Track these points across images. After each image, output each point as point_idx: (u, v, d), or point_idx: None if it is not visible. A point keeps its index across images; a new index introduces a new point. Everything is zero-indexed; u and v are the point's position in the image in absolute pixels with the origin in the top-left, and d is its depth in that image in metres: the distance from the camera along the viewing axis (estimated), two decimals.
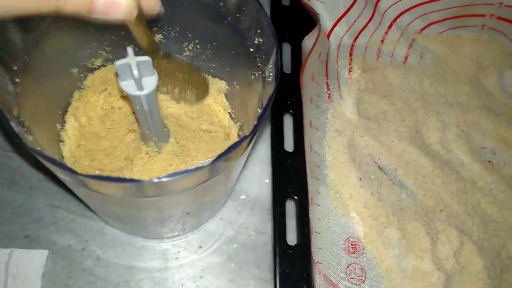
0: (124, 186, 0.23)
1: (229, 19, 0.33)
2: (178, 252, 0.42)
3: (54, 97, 0.35)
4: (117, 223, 0.39)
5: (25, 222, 0.41)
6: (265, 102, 0.27)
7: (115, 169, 0.37)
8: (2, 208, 0.41)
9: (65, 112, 0.39)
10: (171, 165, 0.38)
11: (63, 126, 0.38)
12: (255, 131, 0.26)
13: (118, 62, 0.26)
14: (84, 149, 0.38)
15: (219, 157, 0.24)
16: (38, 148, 0.23)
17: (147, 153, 0.38)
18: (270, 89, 0.27)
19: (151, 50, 0.29)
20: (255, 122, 0.26)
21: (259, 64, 0.32)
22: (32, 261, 0.39)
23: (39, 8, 0.20)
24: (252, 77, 0.34)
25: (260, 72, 0.32)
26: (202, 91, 0.40)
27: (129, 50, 0.26)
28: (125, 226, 0.40)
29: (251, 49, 0.32)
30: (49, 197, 0.42)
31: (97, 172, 0.36)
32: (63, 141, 0.38)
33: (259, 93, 0.32)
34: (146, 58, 0.27)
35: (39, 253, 0.39)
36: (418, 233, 0.45)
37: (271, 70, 0.28)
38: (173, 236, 0.42)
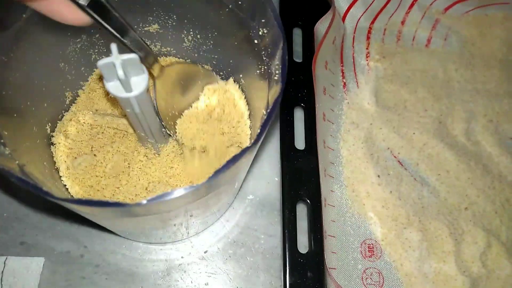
0: (110, 209, 0.21)
1: (230, 6, 0.29)
2: (182, 257, 0.39)
3: (40, 103, 0.32)
4: (116, 231, 0.37)
5: (21, 227, 0.39)
6: (270, 105, 0.23)
7: (113, 175, 0.34)
8: None
9: (56, 119, 0.36)
10: (172, 167, 0.35)
11: (52, 137, 0.35)
12: (258, 140, 0.22)
13: (101, 62, 0.23)
14: (78, 158, 0.35)
15: (217, 172, 0.21)
16: (11, 166, 0.20)
17: (145, 155, 0.35)
18: (275, 90, 0.24)
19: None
20: (259, 130, 0.22)
21: (264, 58, 0.28)
22: (29, 269, 0.37)
23: None
24: (258, 71, 0.30)
25: (265, 67, 0.28)
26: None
27: (113, 47, 0.23)
28: (125, 233, 0.37)
29: (256, 41, 0.29)
30: (46, 201, 0.39)
31: (94, 180, 0.33)
32: (54, 144, 0.35)
33: (265, 90, 0.28)
34: (132, 55, 0.23)
35: (35, 260, 0.37)
36: (440, 233, 0.42)
37: (277, 67, 0.25)
38: (177, 241, 0.39)
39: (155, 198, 0.20)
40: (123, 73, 0.23)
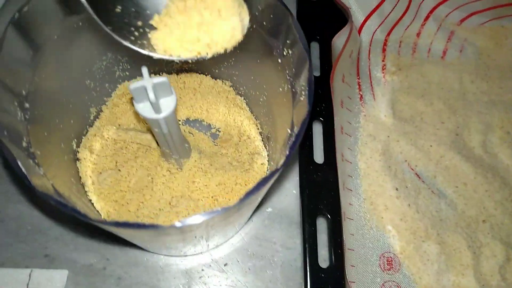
0: (146, 232, 0.21)
1: (254, 26, 0.30)
2: (203, 270, 0.40)
3: (67, 119, 0.33)
4: (139, 243, 0.37)
5: (45, 240, 0.39)
6: (297, 127, 0.24)
7: (137, 189, 0.35)
8: (21, 226, 0.39)
9: (80, 134, 0.36)
10: (194, 181, 0.36)
11: (77, 153, 0.36)
12: (288, 160, 0.23)
13: (133, 85, 0.23)
14: (103, 173, 0.35)
15: (247, 195, 0.21)
16: (47, 186, 0.21)
17: (168, 170, 0.36)
18: (302, 111, 0.24)
19: None
20: (287, 152, 0.23)
21: (288, 77, 0.29)
22: (53, 282, 0.37)
23: None
24: (280, 89, 0.30)
25: (289, 86, 0.29)
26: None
27: (144, 70, 0.24)
28: (147, 246, 0.37)
29: (279, 60, 0.29)
30: (68, 214, 0.40)
31: (119, 195, 0.34)
32: (79, 160, 0.36)
33: (288, 107, 0.29)
34: (163, 79, 0.24)
35: (59, 273, 0.38)
36: (459, 246, 0.42)
37: (303, 88, 0.25)
38: (197, 254, 0.40)
39: (189, 221, 0.20)
40: (154, 96, 0.23)
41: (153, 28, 0.25)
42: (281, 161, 0.22)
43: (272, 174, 0.22)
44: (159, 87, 0.24)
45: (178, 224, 0.20)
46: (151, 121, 0.26)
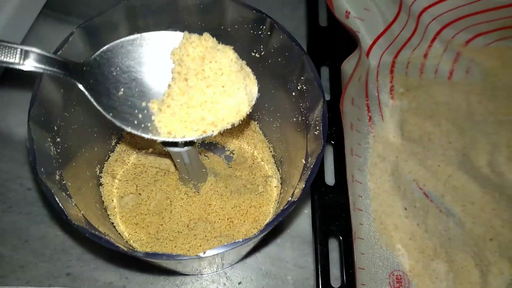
0: (173, 262, 0.23)
1: (269, 61, 0.31)
2: None
3: (92, 147, 0.35)
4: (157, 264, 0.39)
5: (67, 259, 0.41)
6: (312, 160, 0.25)
7: (157, 212, 0.36)
8: (45, 245, 0.41)
9: (103, 160, 0.38)
10: (211, 204, 0.37)
11: (100, 178, 0.38)
12: (304, 192, 0.24)
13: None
14: (124, 198, 0.37)
15: (266, 227, 0.23)
16: (80, 218, 0.23)
17: (186, 194, 0.37)
18: (316, 145, 0.26)
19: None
20: (303, 185, 0.24)
21: (302, 110, 0.30)
22: None
23: None
24: (294, 119, 0.32)
25: (303, 118, 0.30)
26: None
27: None
28: (165, 266, 0.39)
29: (293, 93, 0.31)
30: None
31: (139, 218, 0.36)
32: (102, 185, 0.37)
33: (302, 136, 0.30)
34: None
35: None
36: (467, 265, 0.43)
37: (317, 122, 0.27)
38: (212, 272, 0.41)
39: (213, 252, 0.22)
40: None
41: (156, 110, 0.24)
42: (299, 193, 0.23)
43: (290, 205, 0.23)
44: None
45: (202, 255, 0.22)
46: (174, 153, 0.27)
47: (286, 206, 0.23)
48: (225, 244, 0.22)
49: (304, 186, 0.24)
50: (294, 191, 0.26)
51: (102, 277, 0.41)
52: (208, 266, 0.39)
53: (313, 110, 0.27)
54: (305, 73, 0.27)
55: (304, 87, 0.29)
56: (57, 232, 0.42)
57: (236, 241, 0.22)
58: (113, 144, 0.39)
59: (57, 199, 0.23)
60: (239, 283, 0.41)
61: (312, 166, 0.24)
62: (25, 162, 0.44)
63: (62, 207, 0.23)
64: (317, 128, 0.26)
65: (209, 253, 0.22)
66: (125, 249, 0.21)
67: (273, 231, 0.43)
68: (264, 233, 0.23)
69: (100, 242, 0.22)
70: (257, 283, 0.41)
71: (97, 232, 0.22)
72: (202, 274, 0.41)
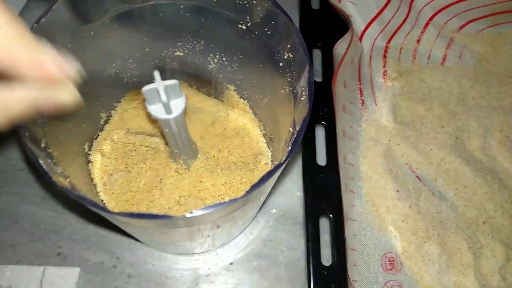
0: (158, 222, 0.23)
1: (256, 32, 0.31)
2: (209, 268, 0.41)
3: (80, 124, 0.35)
4: (148, 242, 0.39)
5: (58, 239, 0.41)
6: (298, 125, 0.25)
7: (147, 190, 0.36)
8: (35, 225, 0.41)
9: (92, 138, 0.38)
10: (201, 181, 0.37)
11: (89, 156, 0.38)
12: (289, 157, 0.24)
13: (146, 88, 0.25)
14: (114, 175, 0.37)
15: (252, 188, 0.23)
16: (65, 183, 0.23)
17: (176, 171, 0.37)
18: (303, 110, 0.26)
19: None
20: (289, 148, 0.24)
21: (289, 80, 0.30)
22: (65, 279, 0.39)
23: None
24: (282, 91, 0.32)
25: (290, 88, 0.30)
26: None
27: (156, 74, 0.25)
28: (156, 244, 0.39)
29: (281, 64, 0.31)
30: (80, 214, 0.42)
31: (129, 195, 0.36)
32: (91, 162, 0.37)
33: (290, 108, 0.30)
34: (173, 81, 0.25)
35: (71, 270, 0.39)
36: (459, 247, 0.43)
37: (303, 88, 0.27)
38: (204, 252, 0.41)
39: (198, 212, 0.22)
40: (166, 97, 0.25)
41: None
42: (284, 156, 0.23)
43: (276, 168, 0.23)
44: (170, 89, 0.26)
45: (188, 215, 0.22)
46: (162, 121, 0.27)
47: (271, 169, 0.23)
48: (211, 204, 0.22)
49: (290, 148, 0.24)
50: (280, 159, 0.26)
51: (93, 257, 0.40)
52: (199, 245, 0.39)
53: (299, 77, 0.27)
54: (290, 39, 0.27)
55: (290, 55, 0.29)
56: (48, 212, 0.42)
57: (221, 202, 0.22)
58: (102, 123, 0.39)
59: (40, 161, 0.22)
60: (231, 263, 0.41)
61: (298, 129, 0.24)
62: (15, 144, 0.44)
63: (46, 169, 0.22)
64: (304, 94, 0.26)
65: (196, 213, 0.22)
66: (109, 209, 0.21)
67: (264, 211, 0.43)
68: (250, 194, 0.23)
69: (84, 202, 0.22)
70: (249, 264, 0.41)
71: (82, 195, 0.22)
72: (193, 254, 0.41)
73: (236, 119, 0.42)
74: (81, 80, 0.21)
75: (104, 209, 0.21)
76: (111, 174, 0.37)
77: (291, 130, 0.28)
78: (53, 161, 0.25)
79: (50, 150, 0.26)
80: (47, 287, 0.38)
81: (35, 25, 0.27)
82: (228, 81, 0.40)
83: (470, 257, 0.42)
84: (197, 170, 0.37)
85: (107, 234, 0.41)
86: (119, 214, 0.21)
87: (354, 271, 0.40)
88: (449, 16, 0.53)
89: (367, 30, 0.52)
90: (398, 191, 0.45)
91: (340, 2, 0.49)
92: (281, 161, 0.23)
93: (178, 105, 0.27)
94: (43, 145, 0.26)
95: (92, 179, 0.37)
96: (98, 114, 0.38)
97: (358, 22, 0.51)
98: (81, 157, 0.36)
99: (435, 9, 0.53)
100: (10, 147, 0.44)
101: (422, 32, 0.53)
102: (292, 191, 0.44)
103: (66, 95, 0.21)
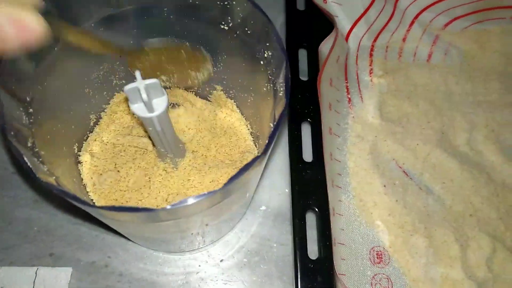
0: (139, 215, 0.23)
1: (237, 32, 0.32)
2: (200, 266, 0.42)
3: (68, 125, 0.36)
4: (138, 240, 0.40)
5: (50, 240, 0.42)
6: (276, 119, 0.26)
7: (136, 189, 0.37)
8: (28, 227, 0.42)
9: (81, 139, 0.39)
10: (189, 179, 0.38)
11: (79, 156, 0.38)
12: (267, 150, 0.25)
13: (127, 87, 0.26)
14: (103, 175, 0.38)
15: (231, 180, 0.24)
16: (51, 180, 0.23)
17: (164, 170, 0.38)
18: (281, 105, 0.27)
19: (119, 52, 0.29)
20: (267, 141, 0.25)
21: (270, 77, 0.31)
22: (58, 279, 0.40)
23: None
24: (264, 89, 0.33)
25: (271, 85, 0.31)
26: (204, 66, 0.37)
27: (137, 74, 0.26)
28: (146, 242, 0.40)
29: (262, 62, 0.32)
30: (72, 215, 0.42)
31: (118, 194, 0.36)
32: (81, 163, 0.38)
33: (271, 105, 0.31)
34: (154, 80, 0.26)
35: (64, 270, 0.40)
36: (446, 240, 0.43)
37: (281, 84, 0.28)
38: (194, 250, 0.42)
39: (178, 203, 0.22)
40: (146, 96, 0.26)
41: None
42: (262, 149, 0.24)
43: (253, 160, 0.24)
44: (151, 88, 0.26)
45: (168, 206, 0.22)
46: (145, 120, 0.28)
47: (250, 161, 0.24)
48: (193, 196, 0.23)
49: (267, 141, 0.24)
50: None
51: (85, 256, 0.41)
52: (190, 243, 0.40)
53: (278, 75, 0.28)
54: (269, 38, 0.28)
55: (270, 53, 0.30)
56: (41, 214, 0.43)
57: (202, 193, 0.23)
58: (91, 124, 0.40)
59: (25, 158, 0.23)
60: (221, 260, 0.42)
61: (276, 123, 0.25)
62: (8, 147, 0.45)
63: (30, 166, 0.23)
64: (281, 89, 0.27)
65: (176, 205, 0.23)
66: (90, 203, 0.22)
67: (254, 208, 0.44)
68: (228, 186, 0.23)
69: (67, 197, 0.22)
70: (239, 260, 0.42)
71: (65, 190, 0.23)
72: (184, 252, 0.42)
73: (224, 118, 0.42)
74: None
75: (87, 203, 0.22)
76: (101, 174, 0.38)
77: (272, 125, 0.29)
78: (40, 160, 0.26)
79: (36, 149, 0.27)
80: (39, 287, 0.39)
81: None
82: (215, 81, 0.41)
83: (457, 249, 0.43)
84: (184, 168, 0.38)
85: (99, 234, 0.42)
86: (102, 208, 0.22)
87: (342, 265, 0.41)
88: (434, 14, 0.54)
89: (353, 30, 0.53)
90: (385, 186, 0.46)
91: (326, 2, 0.50)
92: (259, 154, 0.24)
93: (160, 103, 0.28)
94: (29, 144, 0.26)
95: (82, 179, 0.38)
96: (87, 115, 0.39)
97: (344, 22, 0.52)
98: (70, 157, 0.37)
99: (420, 7, 0.54)
100: (2, 151, 0.45)
101: (408, 30, 0.54)
102: (281, 188, 0.45)
103: (33, 19, 0.19)
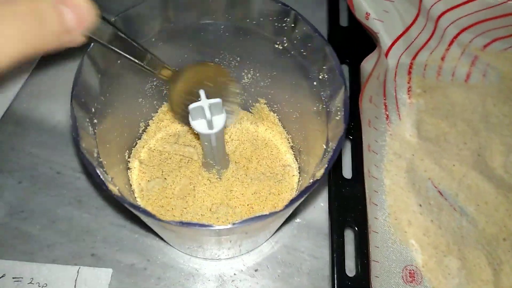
0: (204, 231, 0.24)
1: (292, 52, 0.33)
2: (235, 274, 0.42)
3: (122, 133, 0.37)
4: (177, 245, 0.41)
5: (92, 240, 0.43)
6: (333, 143, 0.27)
7: (181, 196, 0.38)
8: (71, 227, 0.43)
9: (131, 146, 0.41)
10: (232, 190, 0.39)
11: (129, 162, 0.40)
12: (326, 172, 0.26)
13: (192, 105, 0.27)
14: (151, 181, 0.39)
15: (292, 202, 0.24)
16: (115, 191, 0.24)
17: (208, 180, 0.39)
18: (338, 129, 0.27)
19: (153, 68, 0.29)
20: (325, 165, 0.26)
21: (323, 98, 0.32)
22: (99, 279, 0.41)
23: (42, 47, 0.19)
24: (314, 108, 0.34)
25: (324, 106, 0.32)
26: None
27: (202, 93, 0.27)
28: (185, 248, 0.41)
29: (314, 83, 0.32)
30: (114, 217, 0.44)
31: (164, 201, 0.38)
32: (130, 169, 0.39)
33: (322, 124, 0.32)
34: (217, 100, 0.27)
35: (104, 271, 0.41)
36: (479, 262, 0.43)
37: (338, 108, 0.28)
38: (230, 258, 0.43)
39: (243, 222, 0.23)
40: (209, 114, 0.27)
41: None
42: (321, 173, 0.25)
43: (313, 183, 0.25)
44: (213, 107, 0.27)
45: (232, 225, 0.23)
46: (204, 135, 0.29)
47: (309, 184, 0.25)
48: (252, 216, 0.23)
49: (327, 165, 0.25)
50: (314, 174, 0.27)
51: (124, 258, 0.42)
52: (226, 250, 0.41)
53: (334, 97, 0.29)
54: (327, 62, 0.29)
55: (325, 76, 0.30)
56: (83, 214, 0.44)
57: (263, 214, 0.24)
58: (140, 131, 0.41)
59: (97, 171, 0.24)
60: (256, 270, 0.43)
61: (334, 148, 0.26)
62: (55, 148, 0.47)
63: (103, 179, 0.24)
64: (339, 113, 0.28)
65: (239, 224, 0.23)
66: (162, 218, 0.23)
67: (289, 220, 0.45)
68: (288, 208, 0.24)
69: (138, 211, 0.23)
70: (273, 271, 0.43)
71: (135, 203, 0.24)
72: (220, 259, 0.43)
73: (265, 131, 0.43)
74: None
75: (155, 217, 0.23)
76: (148, 180, 0.39)
77: (325, 146, 0.29)
78: (104, 169, 0.27)
79: (100, 159, 0.28)
80: (81, 286, 0.40)
81: (90, 46, 0.29)
82: (260, 95, 0.42)
83: (490, 272, 0.43)
84: (228, 179, 0.39)
85: (139, 237, 0.43)
86: (169, 222, 0.23)
87: (376, 282, 0.41)
88: (474, 35, 0.54)
89: (393, 47, 0.53)
90: (420, 205, 0.46)
91: (368, 19, 0.50)
92: (318, 178, 0.25)
93: (219, 121, 0.29)
94: (95, 154, 0.28)
95: (131, 185, 0.39)
96: (138, 123, 0.41)
97: (384, 39, 0.52)
98: (122, 164, 0.38)
99: (460, 27, 0.54)
100: (49, 151, 0.46)
101: (447, 49, 0.54)
102: (316, 202, 0.46)
103: (87, 5, 0.19)
